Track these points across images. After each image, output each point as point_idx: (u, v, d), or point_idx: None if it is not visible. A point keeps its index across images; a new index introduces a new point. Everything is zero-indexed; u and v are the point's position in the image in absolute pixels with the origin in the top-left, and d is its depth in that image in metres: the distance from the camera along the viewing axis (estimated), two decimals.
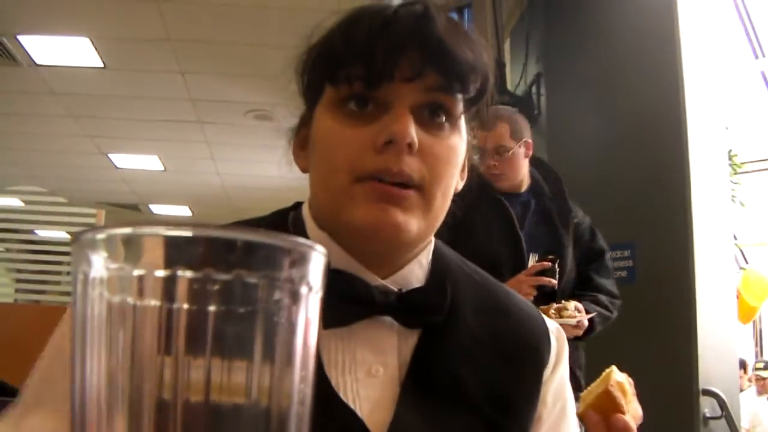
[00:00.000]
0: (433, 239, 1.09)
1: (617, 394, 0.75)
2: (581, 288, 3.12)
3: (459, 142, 1.01)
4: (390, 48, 0.94)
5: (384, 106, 0.96)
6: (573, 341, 2.91)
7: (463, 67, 0.96)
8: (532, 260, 2.92)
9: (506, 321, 1.09)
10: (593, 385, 0.77)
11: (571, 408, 1.12)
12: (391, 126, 0.93)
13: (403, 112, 0.94)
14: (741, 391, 8.58)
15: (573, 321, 2.84)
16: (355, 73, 0.95)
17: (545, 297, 2.88)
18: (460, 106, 0.99)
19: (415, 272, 1.05)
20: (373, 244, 0.98)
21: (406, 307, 1.01)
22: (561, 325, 2.67)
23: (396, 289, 1.02)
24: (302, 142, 1.07)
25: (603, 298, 3.12)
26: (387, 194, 0.94)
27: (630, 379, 0.77)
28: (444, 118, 0.98)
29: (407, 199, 0.95)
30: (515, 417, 1.04)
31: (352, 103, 0.96)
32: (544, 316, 1.16)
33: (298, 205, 1.13)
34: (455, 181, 1.02)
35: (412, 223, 0.96)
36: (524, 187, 3.15)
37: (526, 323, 1.11)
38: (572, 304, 2.90)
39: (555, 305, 2.87)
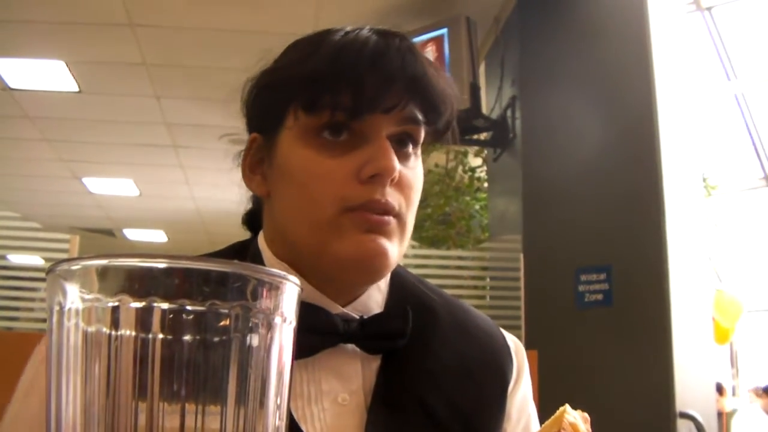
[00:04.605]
0: None
1: None
2: None
3: (422, 170, 1.04)
4: (381, 81, 0.94)
5: (360, 136, 0.96)
6: None
7: (439, 102, 0.99)
8: None
9: (468, 340, 1.10)
10: (545, 425, 0.75)
11: (536, 423, 1.13)
12: (379, 160, 0.94)
13: (386, 145, 0.95)
14: (735, 411, 8.60)
15: None
16: (341, 102, 0.94)
17: None
18: (423, 136, 1.01)
19: (375, 297, 1.06)
20: (359, 274, 0.99)
21: (368, 334, 1.02)
22: None
23: (357, 317, 1.02)
24: (254, 167, 1.06)
25: None
26: (376, 224, 0.95)
27: (586, 416, 0.76)
28: (411, 148, 1.00)
29: (389, 226, 0.96)
30: None
31: (327, 132, 0.96)
32: (503, 331, 1.16)
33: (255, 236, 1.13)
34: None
35: (393, 250, 0.97)
36: None
37: (488, 341, 1.12)
38: None
39: None
